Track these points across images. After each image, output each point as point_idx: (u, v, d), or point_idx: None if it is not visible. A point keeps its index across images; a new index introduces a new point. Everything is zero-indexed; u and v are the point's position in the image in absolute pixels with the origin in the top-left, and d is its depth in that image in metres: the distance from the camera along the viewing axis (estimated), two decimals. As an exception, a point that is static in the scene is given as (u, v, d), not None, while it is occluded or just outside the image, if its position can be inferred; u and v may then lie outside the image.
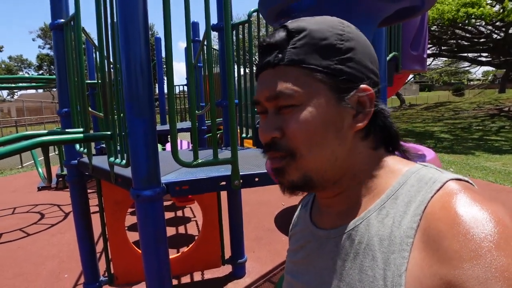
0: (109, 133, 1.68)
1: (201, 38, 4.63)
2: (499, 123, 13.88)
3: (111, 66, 1.61)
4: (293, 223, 0.67)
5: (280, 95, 0.49)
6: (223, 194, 2.78)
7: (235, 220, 2.85)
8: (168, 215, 4.41)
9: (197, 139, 1.51)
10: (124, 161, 1.56)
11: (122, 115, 1.62)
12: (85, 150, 2.17)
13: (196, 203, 4.06)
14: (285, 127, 0.50)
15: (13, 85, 5.95)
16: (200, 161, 1.47)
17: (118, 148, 1.65)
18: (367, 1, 0.95)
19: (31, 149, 1.42)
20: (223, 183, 1.59)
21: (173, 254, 3.23)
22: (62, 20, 2.16)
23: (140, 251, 2.59)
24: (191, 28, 1.44)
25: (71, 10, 2.21)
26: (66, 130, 2.04)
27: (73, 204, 2.43)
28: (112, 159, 1.69)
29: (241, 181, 1.58)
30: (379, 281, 0.42)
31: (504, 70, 21.67)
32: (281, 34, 0.50)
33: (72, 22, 2.04)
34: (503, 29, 14.77)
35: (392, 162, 0.52)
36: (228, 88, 1.53)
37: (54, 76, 5.26)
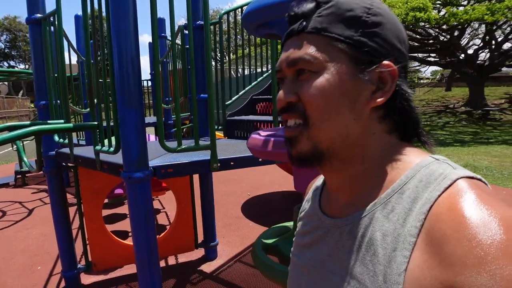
0: (95, 123, 1.82)
1: (166, 34, 4.74)
2: (444, 119, 15.09)
3: (99, 61, 1.75)
4: (303, 207, 0.67)
5: (300, 60, 0.49)
6: (196, 183, 2.97)
7: (207, 207, 3.05)
8: (138, 207, 4.50)
9: (180, 129, 1.71)
10: (112, 148, 1.72)
11: (105, 106, 1.77)
12: (65, 141, 2.28)
13: (165, 194, 4.21)
14: (301, 92, 0.50)
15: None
16: (183, 146, 1.68)
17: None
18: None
19: (26, 137, 1.54)
20: (203, 166, 1.80)
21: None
22: (39, 15, 2.24)
23: (117, 238, 2.73)
24: (157, 25, 1.63)
25: (48, 5, 2.30)
26: (48, 121, 2.14)
27: (50, 194, 2.52)
28: (98, 147, 1.84)
29: (219, 164, 1.80)
30: (379, 276, 0.42)
31: (450, 70, 23.39)
32: (309, 4, 0.51)
33: (51, 17, 2.14)
34: (449, 32, 15.99)
35: (405, 151, 0.50)
36: (208, 82, 1.75)
37: (18, 69, 5.09)
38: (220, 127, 2.73)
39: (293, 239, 0.63)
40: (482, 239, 0.34)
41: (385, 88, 0.49)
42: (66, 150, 2.38)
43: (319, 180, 0.65)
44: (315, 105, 0.49)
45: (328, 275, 0.50)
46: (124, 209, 4.43)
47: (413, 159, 0.48)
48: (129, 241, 2.87)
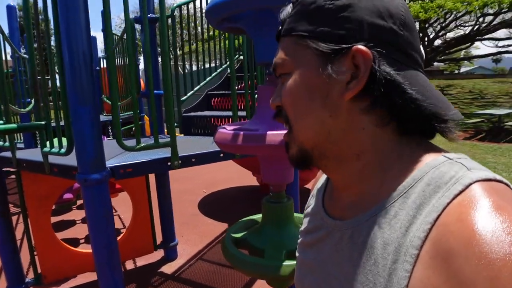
0: (43, 123, 1.68)
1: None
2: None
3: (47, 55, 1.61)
4: (308, 203, 0.65)
5: (275, 66, 0.51)
6: (152, 182, 2.87)
7: (165, 206, 2.97)
8: (88, 212, 4.25)
9: (138, 127, 1.64)
10: (63, 150, 1.61)
11: (54, 104, 1.65)
12: (6, 144, 2.09)
13: (117, 196, 4.03)
14: (282, 95, 0.51)
15: None
16: (142, 145, 1.61)
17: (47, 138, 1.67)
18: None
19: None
20: (164, 164, 1.74)
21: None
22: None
23: (68, 246, 2.56)
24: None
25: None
26: (-16, 123, 1.94)
27: (-11, 203, 2.28)
28: (46, 149, 1.70)
29: (180, 162, 1.76)
30: None
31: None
32: (287, 8, 0.51)
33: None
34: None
35: (414, 148, 0.45)
36: (164, 78, 1.69)
37: None
38: (175, 124, 2.65)
39: (299, 235, 0.63)
40: (495, 259, 0.30)
41: (359, 76, 0.43)
42: (6, 154, 2.18)
43: (324, 176, 0.63)
44: (288, 107, 0.49)
45: (329, 277, 0.49)
46: (72, 215, 4.15)
47: (423, 158, 0.43)
48: (81, 249, 2.71)
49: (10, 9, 3.86)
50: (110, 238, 1.57)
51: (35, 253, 2.50)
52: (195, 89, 2.73)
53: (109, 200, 1.57)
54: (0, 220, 2.29)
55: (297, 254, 0.61)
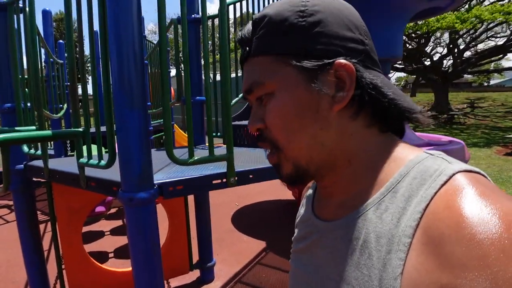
0: (80, 129, 1.46)
1: (146, 33, 4.37)
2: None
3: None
4: (298, 213, 0.65)
5: (252, 86, 0.49)
6: (190, 197, 2.64)
7: (203, 222, 2.72)
8: (116, 223, 4.06)
9: (192, 137, 1.39)
10: (104, 162, 1.37)
11: (94, 109, 1.43)
12: (38, 152, 1.89)
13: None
14: (265, 118, 0.49)
15: None
16: (196, 158, 1.36)
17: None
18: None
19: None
20: (217, 181, 1.49)
21: (129, 264, 2.97)
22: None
23: (97, 263, 2.33)
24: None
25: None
26: (16, 128, 1.74)
27: (18, 216, 2.10)
28: (84, 160, 1.48)
29: (236, 178, 1.50)
30: (374, 281, 0.39)
31: (414, 76, 24.27)
32: (248, 26, 0.51)
33: (20, 2, 1.76)
34: (416, 39, 16.53)
35: (397, 148, 0.48)
36: (224, 83, 1.44)
37: None
38: (219, 134, 2.42)
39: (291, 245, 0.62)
40: (483, 239, 0.32)
41: (345, 89, 0.46)
42: (37, 163, 1.99)
43: (313, 184, 0.64)
44: (277, 129, 0.48)
45: (323, 281, 0.48)
46: (101, 225, 3.96)
47: (406, 156, 0.45)
48: (110, 263, 2.48)
49: (45, 14, 3.76)
50: (156, 272, 1.32)
51: (62, 267, 2.29)
52: (240, 96, 2.49)
53: (156, 223, 1.32)
54: (28, 235, 2.10)
55: (290, 263, 0.60)
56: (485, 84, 38.36)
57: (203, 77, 1.72)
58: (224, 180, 1.49)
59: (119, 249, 3.36)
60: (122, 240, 3.56)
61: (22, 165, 2.02)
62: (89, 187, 1.54)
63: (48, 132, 1.36)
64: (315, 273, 0.50)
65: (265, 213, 4.41)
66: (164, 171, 1.56)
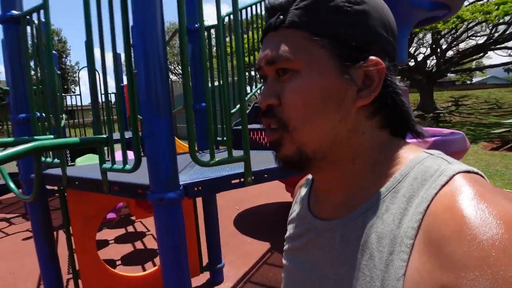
0: (104, 136, 1.54)
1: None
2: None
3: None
4: (291, 210, 0.64)
5: (278, 59, 0.46)
6: (198, 201, 2.71)
7: (211, 226, 2.80)
8: (119, 231, 4.09)
9: (213, 141, 1.48)
10: (128, 166, 1.45)
11: (118, 117, 1.51)
12: (55, 160, 1.95)
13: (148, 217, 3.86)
14: (282, 95, 0.47)
15: None
16: (217, 159, 1.45)
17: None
18: (405, 9, 1.08)
19: (25, 155, 1.24)
20: (236, 180, 1.58)
21: (138, 271, 3.02)
22: (17, 12, 1.91)
23: (114, 270, 2.39)
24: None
25: (25, 2, 1.99)
26: (35, 137, 1.80)
27: (33, 224, 2.15)
28: (106, 165, 1.55)
29: (253, 177, 1.59)
30: (376, 282, 0.39)
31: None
32: None
33: (35, 13, 1.83)
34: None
35: (398, 148, 0.47)
36: (239, 91, 1.54)
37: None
38: (224, 139, 2.50)
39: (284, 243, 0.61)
40: (484, 240, 0.32)
41: (372, 86, 0.45)
42: (52, 171, 2.04)
43: (306, 181, 0.62)
44: (297, 110, 0.45)
45: (320, 279, 0.48)
46: (104, 235, 3.98)
47: (407, 156, 0.45)
48: (118, 271, 2.53)
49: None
50: (183, 268, 1.40)
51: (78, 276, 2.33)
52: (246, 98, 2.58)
53: (183, 222, 1.40)
54: (44, 243, 2.15)
55: (283, 262, 0.59)
56: (468, 82, 39.39)
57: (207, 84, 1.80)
58: (242, 179, 1.58)
59: (126, 257, 3.40)
60: (128, 248, 3.60)
61: (37, 175, 2.07)
62: (112, 191, 1.61)
63: (76, 139, 1.44)
64: (312, 272, 0.50)
65: (265, 215, 4.50)
66: (184, 173, 1.64)
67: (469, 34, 19.20)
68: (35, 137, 1.82)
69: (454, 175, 0.39)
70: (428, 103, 17.22)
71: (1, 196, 5.88)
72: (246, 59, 3.10)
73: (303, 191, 0.61)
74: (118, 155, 4.22)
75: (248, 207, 4.81)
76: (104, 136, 1.54)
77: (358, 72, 0.44)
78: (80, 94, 7.46)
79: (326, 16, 0.44)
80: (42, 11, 1.75)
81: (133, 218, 4.60)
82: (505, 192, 0.38)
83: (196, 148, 1.51)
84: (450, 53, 19.65)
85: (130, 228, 4.22)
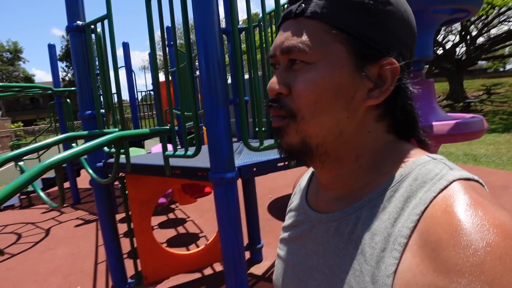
0: (167, 127, 1.79)
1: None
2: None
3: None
4: (290, 201, 0.65)
5: (294, 49, 0.45)
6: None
7: (251, 208, 3.03)
8: (161, 218, 4.42)
9: (262, 130, 1.70)
10: (190, 152, 1.69)
11: (181, 109, 1.75)
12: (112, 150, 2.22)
13: (190, 204, 4.14)
14: (293, 84, 0.46)
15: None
16: (265, 145, 1.67)
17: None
18: (429, 15, 1.24)
19: (109, 144, 1.49)
20: (281, 164, 1.79)
21: (185, 251, 3.31)
22: (80, 23, 2.19)
23: (167, 249, 2.67)
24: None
25: (87, 13, 2.26)
26: (104, 130, 2.09)
27: (99, 208, 2.44)
28: (169, 152, 1.80)
29: (295, 161, 1.80)
30: (365, 277, 0.40)
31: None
32: None
33: (99, 23, 2.10)
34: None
35: (402, 149, 0.48)
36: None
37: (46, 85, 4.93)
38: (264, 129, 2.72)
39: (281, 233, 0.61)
40: (479, 247, 0.32)
41: (384, 87, 0.45)
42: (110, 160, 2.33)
43: (307, 173, 0.63)
44: (306, 101, 0.45)
45: (312, 271, 0.49)
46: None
47: (410, 157, 0.46)
48: (177, 251, 2.80)
49: (124, 46, 4.14)
50: (238, 236, 1.63)
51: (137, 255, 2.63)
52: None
53: (238, 199, 1.63)
54: (109, 225, 2.44)
55: (278, 251, 0.60)
56: (501, 69, 37.80)
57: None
58: (286, 163, 1.79)
59: (170, 240, 3.71)
60: (171, 232, 3.91)
61: (102, 163, 2.36)
62: (173, 175, 1.86)
63: (146, 130, 1.69)
64: (303, 263, 0.51)
65: (297, 203, 4.70)
66: (237, 158, 1.87)
67: (501, 19, 18.48)
68: (104, 130, 2.10)
69: (454, 181, 0.39)
70: (458, 92, 16.78)
71: (50, 189, 6.39)
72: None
73: (303, 182, 0.62)
74: (154, 149, 4.52)
75: (280, 195, 5.04)
76: (167, 127, 1.79)
77: (372, 70, 0.45)
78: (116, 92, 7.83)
79: (349, 11, 0.43)
80: (106, 21, 2.02)
81: (172, 206, 4.93)
82: (501, 202, 0.39)
83: (235, 138, 1.73)
84: (480, 39, 18.99)
85: (171, 215, 4.54)
